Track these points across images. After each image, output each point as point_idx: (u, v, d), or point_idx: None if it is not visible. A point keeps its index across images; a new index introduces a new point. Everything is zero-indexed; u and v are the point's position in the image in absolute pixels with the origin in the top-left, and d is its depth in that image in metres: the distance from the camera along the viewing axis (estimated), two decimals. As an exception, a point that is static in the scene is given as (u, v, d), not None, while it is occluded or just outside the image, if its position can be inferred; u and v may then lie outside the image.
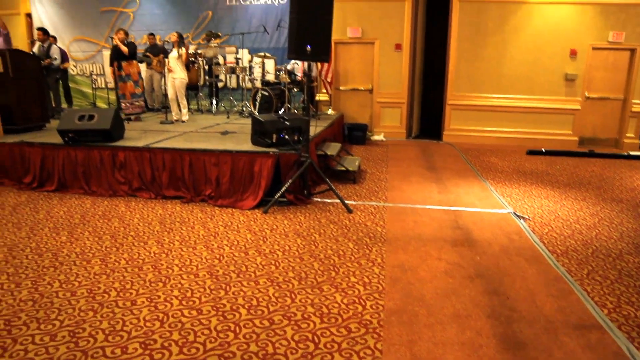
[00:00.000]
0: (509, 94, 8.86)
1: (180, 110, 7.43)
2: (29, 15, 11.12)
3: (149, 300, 2.87)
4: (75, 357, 2.30)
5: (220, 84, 9.54)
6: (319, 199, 5.06)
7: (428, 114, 10.11)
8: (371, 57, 9.26)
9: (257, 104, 7.72)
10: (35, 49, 8.52)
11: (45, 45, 8.51)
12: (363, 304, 2.80)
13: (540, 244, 3.83)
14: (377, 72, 9.27)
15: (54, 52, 8.52)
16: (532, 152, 8.03)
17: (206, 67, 9.05)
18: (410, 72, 9.22)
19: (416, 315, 2.69)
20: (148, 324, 2.60)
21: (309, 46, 4.15)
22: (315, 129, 6.05)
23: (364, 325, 2.57)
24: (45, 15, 10.84)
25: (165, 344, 2.41)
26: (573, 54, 8.53)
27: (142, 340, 2.44)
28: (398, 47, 9.08)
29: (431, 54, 9.90)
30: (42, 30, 8.66)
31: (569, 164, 7.29)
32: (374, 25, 9.09)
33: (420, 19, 9.28)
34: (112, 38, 7.72)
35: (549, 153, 8.00)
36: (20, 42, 10.96)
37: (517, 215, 4.54)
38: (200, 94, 9.28)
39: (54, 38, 9.19)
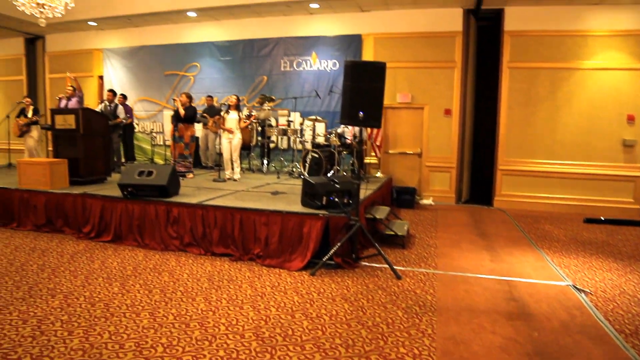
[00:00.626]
0: (563, 160, 8.65)
1: (233, 169, 7.69)
2: (100, 77, 12.09)
3: (194, 358, 2.87)
4: (122, 415, 2.31)
5: (271, 145, 9.86)
6: (366, 263, 5.00)
7: (478, 178, 9.97)
8: (420, 121, 9.37)
9: (307, 165, 7.89)
10: (103, 107, 9.17)
11: (112, 105, 9.18)
12: (413, 377, 2.69)
13: (605, 322, 3.58)
14: (426, 136, 9.34)
15: (120, 112, 9.16)
16: (590, 221, 7.68)
17: (259, 129, 9.42)
18: (460, 136, 9.23)
19: (470, 394, 2.55)
20: (194, 384, 2.60)
21: (361, 112, 4.27)
22: (364, 192, 6.08)
23: (414, 402, 2.46)
24: (115, 77, 11.75)
25: (211, 408, 2.39)
26: (630, 119, 8.31)
27: (187, 402, 2.43)
28: (447, 112, 9.16)
29: (481, 119, 9.90)
30: (111, 91, 9.37)
31: (632, 233, 6.91)
32: (423, 90, 9.27)
33: (469, 84, 9.39)
34: (174, 100, 8.20)
35: (608, 222, 7.64)
36: (91, 100, 11.86)
37: (578, 289, 4.30)
38: (252, 153, 9.61)
39: (124, 97, 9.88)
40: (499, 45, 8.91)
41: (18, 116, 9.69)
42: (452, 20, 9.03)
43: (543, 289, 4.31)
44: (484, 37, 9.60)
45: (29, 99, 9.95)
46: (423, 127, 9.37)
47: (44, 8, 7.13)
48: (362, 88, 4.36)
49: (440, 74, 9.14)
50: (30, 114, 9.61)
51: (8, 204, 6.61)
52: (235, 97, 7.68)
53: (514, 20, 8.69)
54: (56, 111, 7.21)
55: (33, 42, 12.93)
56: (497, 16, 8.98)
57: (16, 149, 10.26)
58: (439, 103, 9.20)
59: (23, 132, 9.64)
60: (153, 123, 11.47)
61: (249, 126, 9.15)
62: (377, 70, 4.44)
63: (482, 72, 9.67)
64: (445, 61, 9.09)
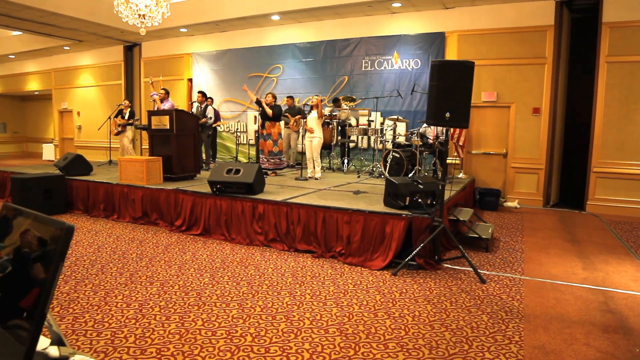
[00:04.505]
0: (667, 162, 7.93)
1: (315, 167, 7.85)
2: (190, 80, 12.81)
3: (281, 349, 2.99)
4: (216, 397, 2.47)
5: (351, 145, 9.92)
6: (449, 266, 4.92)
7: (568, 181, 9.40)
8: (506, 121, 9.00)
9: (388, 165, 7.87)
10: (194, 109, 9.74)
11: (203, 106, 9.71)
12: (500, 384, 2.63)
13: None
14: (512, 136, 8.95)
15: (209, 113, 9.68)
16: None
17: (339, 128, 9.52)
18: (550, 136, 8.75)
19: (562, 406, 2.44)
20: (281, 374, 2.71)
21: (448, 113, 4.21)
22: (448, 193, 5.97)
23: (503, 409, 2.40)
24: (203, 79, 12.40)
25: (298, 397, 2.48)
26: None
27: (276, 390, 2.54)
28: (536, 110, 8.72)
29: (573, 118, 9.33)
30: (202, 93, 9.90)
31: None
32: (510, 89, 8.89)
33: (561, 81, 8.87)
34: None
35: None
36: (181, 102, 12.61)
37: (684, 304, 3.95)
38: (333, 153, 9.74)
39: (211, 99, 10.43)
40: (595, 39, 8.33)
41: (116, 116, 10.54)
42: (543, 13, 8.57)
43: (644, 302, 4.00)
44: (578, 30, 9.02)
45: (127, 102, 10.79)
46: (509, 126, 8.98)
47: (144, 18, 7.71)
48: (449, 88, 4.28)
49: (529, 70, 8.71)
50: (127, 116, 10.41)
51: (110, 198, 7.22)
52: (317, 96, 7.83)
53: (614, 10, 8.07)
54: (152, 112, 7.76)
55: (131, 49, 13.98)
56: (593, 7, 8.40)
57: (116, 147, 11.15)
58: (527, 101, 8.77)
59: (119, 132, 10.46)
60: (237, 123, 11.96)
61: (330, 125, 9.29)
62: (465, 70, 4.34)
63: (575, 68, 9.09)
64: (534, 57, 8.65)
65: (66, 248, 1.12)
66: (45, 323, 1.21)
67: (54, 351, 1.29)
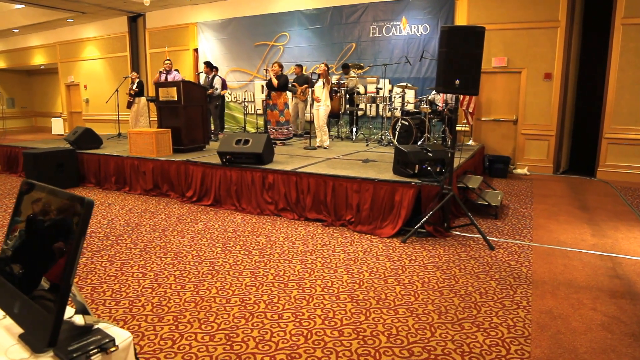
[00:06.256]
0: (682, 127, 7.82)
1: (322, 136, 7.84)
2: (195, 50, 12.71)
3: (294, 315, 3.07)
4: (230, 359, 2.56)
5: (360, 113, 9.87)
6: (458, 233, 4.96)
7: (579, 148, 9.32)
8: (517, 86, 8.88)
9: (397, 133, 7.84)
10: (202, 80, 9.70)
11: (210, 76, 9.66)
12: (507, 347, 2.69)
13: None
14: (522, 102, 8.84)
15: (216, 83, 9.64)
16: None
17: (347, 96, 9.46)
18: (561, 102, 8.63)
19: (569, 367, 2.51)
20: (294, 337, 2.79)
21: (457, 80, 4.16)
22: (457, 160, 5.97)
23: (510, 371, 2.47)
24: (208, 49, 12.29)
25: (310, 360, 2.57)
26: None
27: (288, 353, 2.63)
28: (548, 76, 8.57)
29: (585, 83, 9.16)
30: (208, 64, 9.83)
31: None
32: (521, 53, 8.73)
33: (574, 45, 8.69)
34: (266, 70, 8.46)
35: None
36: (188, 73, 12.54)
37: (693, 269, 3.97)
38: (341, 121, 9.70)
39: (216, 68, 10.37)
40: (611, 0, 8.11)
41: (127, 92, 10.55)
42: (555, -25, 8.34)
43: (653, 267, 4.03)
44: (593, -9, 8.79)
45: (135, 73, 10.75)
46: (520, 92, 8.86)
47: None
48: (459, 54, 4.22)
49: (540, 34, 8.52)
50: (135, 86, 10.40)
51: (121, 171, 7.29)
52: (324, 65, 7.75)
53: (630, -30, 7.83)
54: (160, 84, 7.73)
55: (135, 20, 13.83)
56: (609, -33, 8.16)
57: (125, 120, 11.18)
58: (539, 66, 8.62)
59: (130, 104, 10.47)
60: (245, 93, 11.91)
61: (338, 94, 9.22)
62: (475, 35, 4.26)
63: (590, 32, 8.87)
64: (547, 20, 8.45)
65: (87, 222, 1.16)
66: (70, 293, 1.27)
67: (79, 320, 1.35)
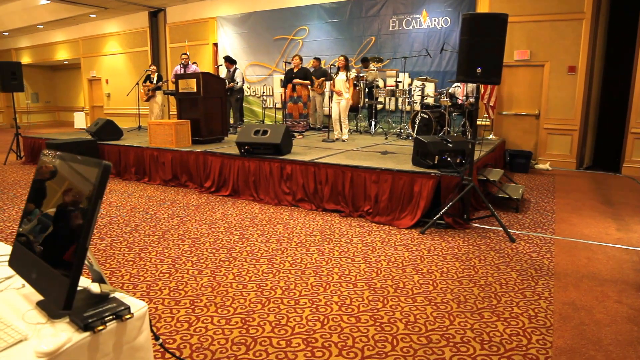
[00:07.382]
0: None
1: (341, 130, 7.80)
2: (215, 44, 12.77)
3: (310, 301, 3.05)
4: (246, 342, 2.56)
5: (379, 106, 9.79)
6: (478, 225, 4.88)
7: (604, 143, 9.09)
8: (539, 80, 8.70)
9: (416, 126, 7.75)
10: (222, 74, 9.74)
11: (232, 70, 9.71)
12: (528, 337, 2.63)
13: None
14: (545, 96, 8.66)
15: (238, 76, 9.67)
16: None
17: (366, 90, 9.39)
18: (585, 96, 8.43)
19: (592, 359, 2.44)
20: (310, 323, 2.77)
21: (479, 68, 4.08)
22: (478, 153, 5.87)
23: (531, 360, 2.41)
24: (228, 43, 12.33)
25: (326, 344, 2.54)
26: None
27: (304, 337, 2.61)
28: (572, 69, 8.38)
29: (611, 77, 8.93)
30: (228, 58, 9.87)
31: None
32: (544, 46, 8.54)
33: (600, 38, 8.47)
34: (287, 63, 8.44)
35: None
36: (207, 67, 12.61)
37: None
38: (360, 115, 9.63)
39: (235, 62, 10.40)
40: (638, -9, 7.89)
41: (144, 82, 10.64)
42: (581, -35, 8.14)
43: (681, 261, 3.91)
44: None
45: (154, 67, 10.86)
46: (542, 86, 8.68)
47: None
48: (481, 42, 4.13)
49: (565, 27, 8.33)
50: (155, 80, 10.50)
51: (141, 161, 7.36)
52: (343, 57, 7.70)
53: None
54: (179, 76, 7.79)
55: (156, 15, 13.95)
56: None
57: (145, 114, 11.29)
58: (563, 59, 8.43)
59: (149, 97, 10.58)
60: (263, 87, 11.92)
61: (357, 87, 9.16)
62: (497, 23, 4.17)
63: (616, 23, 8.64)
64: (571, 12, 8.25)
65: (104, 184, 1.15)
66: (86, 262, 1.26)
67: (95, 288, 1.35)
